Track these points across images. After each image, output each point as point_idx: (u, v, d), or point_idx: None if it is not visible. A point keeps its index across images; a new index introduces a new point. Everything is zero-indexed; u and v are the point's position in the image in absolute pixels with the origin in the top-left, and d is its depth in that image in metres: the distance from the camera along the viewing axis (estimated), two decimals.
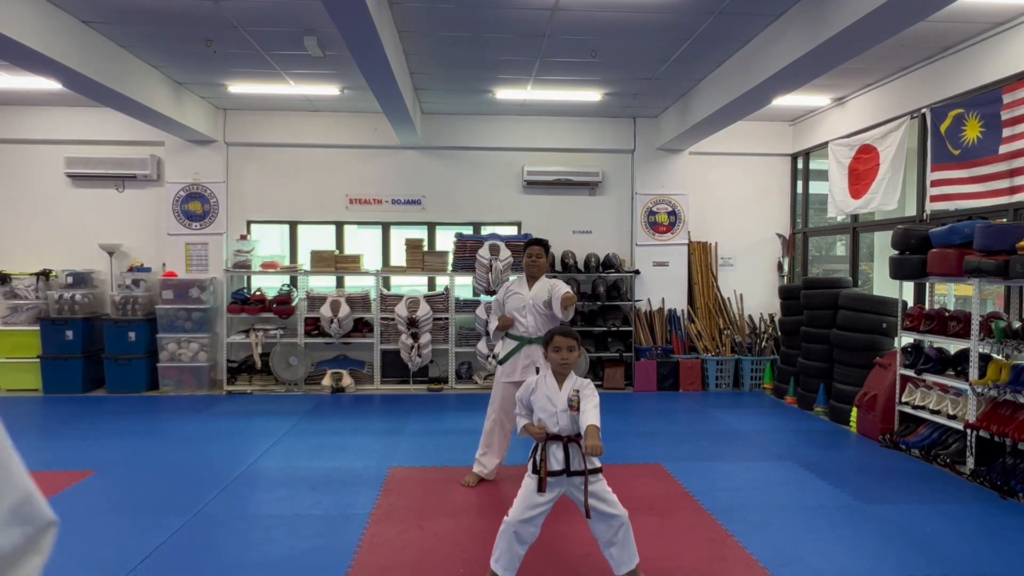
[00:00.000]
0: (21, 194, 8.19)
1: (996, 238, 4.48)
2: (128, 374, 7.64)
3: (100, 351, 7.75)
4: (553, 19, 5.23)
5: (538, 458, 2.95)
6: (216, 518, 3.92)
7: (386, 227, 8.60)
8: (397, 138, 7.99)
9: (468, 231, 8.44)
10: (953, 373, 5.14)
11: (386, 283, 8.51)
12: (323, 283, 8.51)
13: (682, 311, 8.48)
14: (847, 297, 6.47)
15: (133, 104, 6.35)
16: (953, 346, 5.28)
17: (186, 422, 6.33)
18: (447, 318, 8.01)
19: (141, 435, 5.78)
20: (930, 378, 5.27)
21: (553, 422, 2.98)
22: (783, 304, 7.64)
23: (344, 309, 7.69)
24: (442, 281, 8.33)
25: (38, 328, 7.57)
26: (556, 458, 2.95)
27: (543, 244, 4.64)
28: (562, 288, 4.35)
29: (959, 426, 4.87)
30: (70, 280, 7.84)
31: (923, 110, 6.22)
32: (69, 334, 7.53)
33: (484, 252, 7.48)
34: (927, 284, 6.16)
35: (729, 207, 8.82)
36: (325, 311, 7.69)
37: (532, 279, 4.54)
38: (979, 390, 4.64)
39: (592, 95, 7.41)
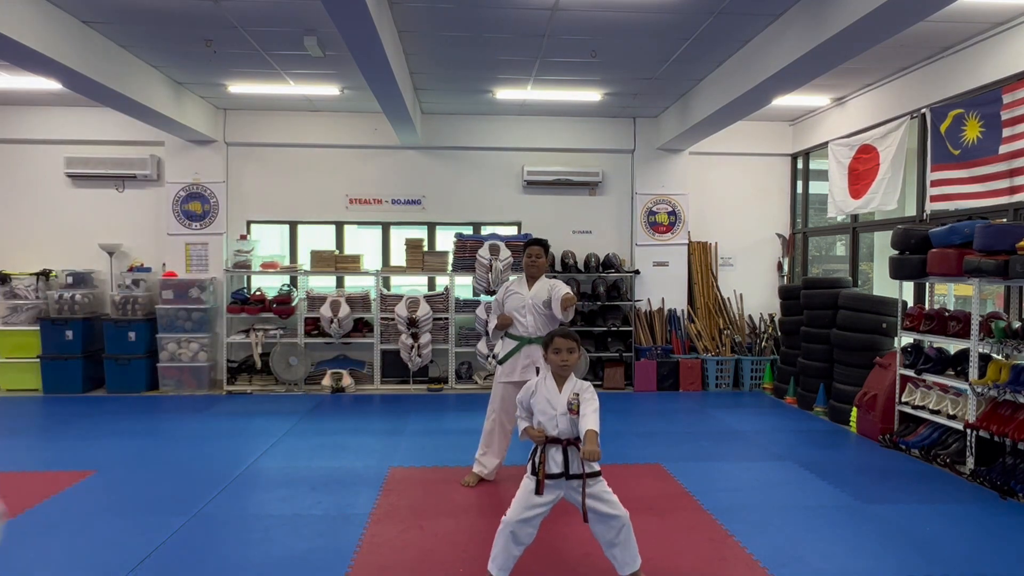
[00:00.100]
0: (21, 194, 8.19)
1: (996, 238, 4.48)
2: (128, 374, 7.64)
3: (100, 351, 7.76)
4: (553, 19, 5.24)
5: (537, 460, 2.95)
6: (216, 518, 3.92)
7: (386, 227, 8.60)
8: (397, 138, 7.99)
9: (468, 231, 8.44)
10: (953, 373, 5.14)
11: (386, 283, 8.51)
12: (323, 283, 8.51)
13: (682, 311, 8.48)
14: (847, 297, 6.48)
15: (133, 104, 6.36)
16: (953, 346, 5.28)
17: (186, 422, 6.34)
18: (447, 318, 8.01)
19: (141, 435, 5.78)
20: (930, 378, 5.27)
21: (552, 425, 2.97)
22: (783, 304, 7.64)
23: (344, 309, 7.70)
24: (442, 281, 8.34)
25: (38, 328, 7.58)
26: (555, 461, 2.95)
27: (543, 244, 4.64)
28: (562, 289, 4.35)
29: (959, 426, 4.87)
30: (70, 280, 7.84)
31: (923, 110, 6.22)
32: (69, 334, 7.53)
33: (484, 252, 7.49)
34: (927, 284, 6.16)
35: (729, 207, 8.82)
36: (325, 311, 7.69)
37: (532, 279, 4.54)
38: (979, 390, 4.64)
39: (592, 95, 7.41)
